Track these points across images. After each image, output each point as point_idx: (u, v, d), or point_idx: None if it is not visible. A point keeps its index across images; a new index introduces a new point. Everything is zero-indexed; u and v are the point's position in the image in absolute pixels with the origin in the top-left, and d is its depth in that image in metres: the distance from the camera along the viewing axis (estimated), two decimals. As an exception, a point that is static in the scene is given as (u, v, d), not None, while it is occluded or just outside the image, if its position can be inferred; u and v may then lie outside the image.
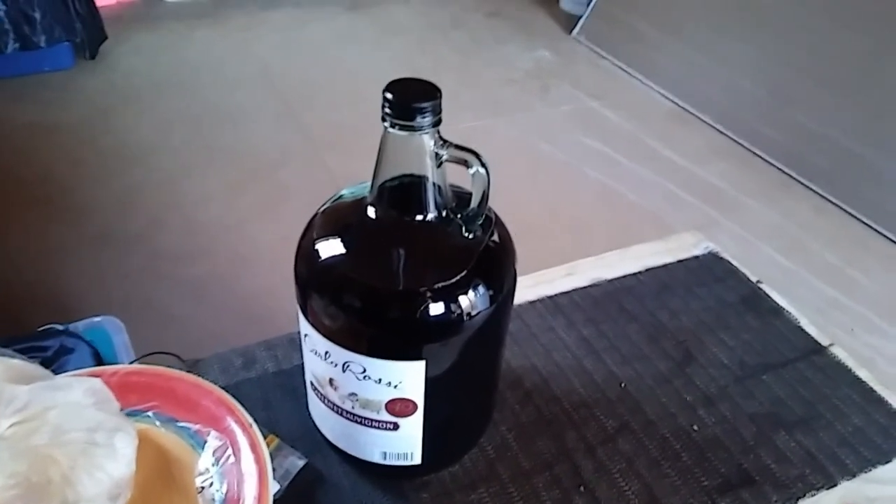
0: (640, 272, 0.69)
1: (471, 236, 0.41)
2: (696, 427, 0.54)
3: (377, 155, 0.40)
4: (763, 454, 0.52)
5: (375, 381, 0.41)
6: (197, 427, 0.49)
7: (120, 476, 0.43)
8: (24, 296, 1.39)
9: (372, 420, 0.43)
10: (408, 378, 0.41)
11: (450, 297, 0.39)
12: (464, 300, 0.40)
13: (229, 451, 0.47)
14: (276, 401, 0.54)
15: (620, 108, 2.15)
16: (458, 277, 0.40)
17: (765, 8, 2.05)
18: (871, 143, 1.77)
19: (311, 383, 0.46)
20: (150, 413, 0.50)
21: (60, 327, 0.83)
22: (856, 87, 1.83)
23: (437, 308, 0.39)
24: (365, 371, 0.41)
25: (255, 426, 0.48)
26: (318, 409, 0.47)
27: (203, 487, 0.46)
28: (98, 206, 1.68)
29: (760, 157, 1.94)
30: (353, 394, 0.42)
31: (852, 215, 1.76)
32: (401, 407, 0.42)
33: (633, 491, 0.49)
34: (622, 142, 1.99)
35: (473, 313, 0.40)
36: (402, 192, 0.40)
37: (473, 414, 0.49)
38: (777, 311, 0.65)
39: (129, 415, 0.48)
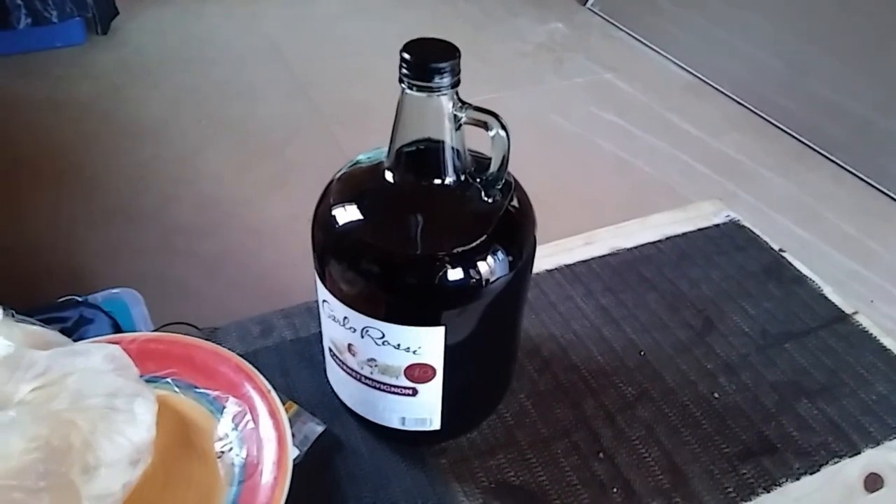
0: (659, 241, 0.68)
1: (490, 201, 0.40)
2: (716, 395, 0.54)
3: (394, 118, 0.39)
4: (785, 422, 0.52)
5: (394, 347, 0.41)
6: (216, 393, 0.49)
7: (140, 441, 0.43)
8: (39, 271, 1.40)
9: (391, 385, 0.43)
10: (426, 344, 0.40)
11: (469, 262, 0.39)
12: (483, 266, 0.39)
13: (248, 416, 0.47)
14: (295, 368, 0.54)
15: (635, 79, 2.12)
16: (477, 242, 0.39)
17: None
18: (890, 113, 1.73)
19: (330, 349, 0.46)
20: (168, 379, 0.50)
21: (80, 298, 0.83)
22: (873, 57, 1.79)
23: (455, 273, 0.38)
24: (384, 336, 0.40)
25: (273, 392, 0.48)
26: (336, 376, 0.47)
27: (223, 452, 0.46)
28: (111, 181, 1.69)
29: (778, 127, 1.91)
30: (371, 359, 0.42)
31: (871, 185, 1.73)
32: (420, 373, 0.42)
33: (652, 458, 0.49)
34: (637, 114, 1.97)
35: (492, 279, 0.40)
36: (421, 155, 0.39)
37: (492, 381, 0.49)
38: (800, 279, 0.64)
39: (148, 381, 0.48)
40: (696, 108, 2.00)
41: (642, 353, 0.57)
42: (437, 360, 0.41)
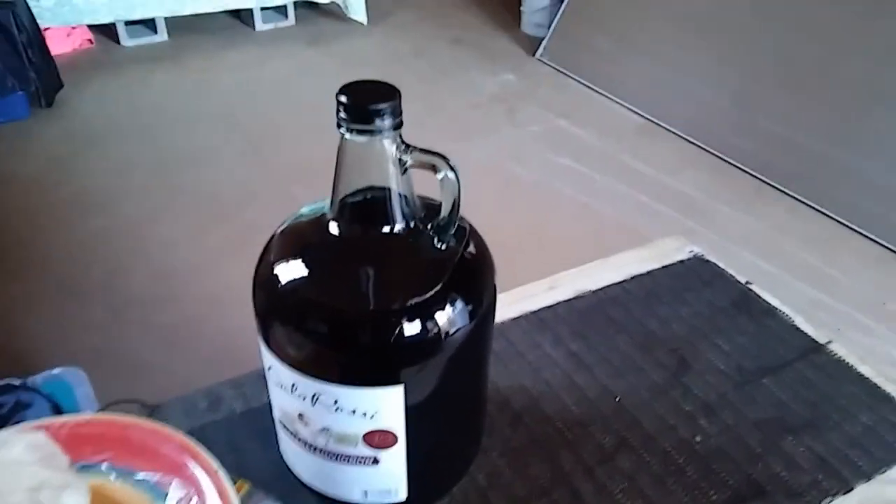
0: (624, 281, 0.66)
1: (443, 247, 0.38)
2: (698, 438, 0.51)
3: (335, 166, 0.36)
4: (772, 462, 0.49)
5: (350, 413, 0.37)
6: (158, 477, 0.44)
7: (71, 541, 0.39)
8: (-19, 354, 1.33)
9: (349, 456, 0.39)
10: (385, 407, 0.37)
11: (425, 314, 0.36)
12: (441, 317, 0.36)
13: (195, 500, 0.43)
14: (246, 443, 0.50)
15: (589, 125, 2.15)
16: (432, 293, 0.36)
17: (721, 18, 2.08)
18: (838, 143, 1.78)
19: (280, 421, 0.42)
20: (103, 466, 0.45)
21: (17, 382, 0.77)
22: (817, 90, 1.85)
23: (412, 328, 0.36)
24: (337, 402, 0.37)
25: (221, 471, 0.43)
26: (289, 448, 0.43)
27: (166, 546, 0.41)
28: (59, 256, 1.62)
29: (731, 164, 1.95)
30: (325, 428, 0.38)
31: (826, 215, 1.76)
32: (380, 439, 0.38)
33: (638, 513, 0.46)
34: (594, 158, 1.99)
35: (452, 331, 0.37)
36: (366, 204, 0.37)
37: (460, 441, 0.45)
38: (770, 311, 0.62)
39: (80, 469, 0.43)
40: (651, 149, 2.03)
41: (617, 398, 0.54)
42: (398, 423, 0.38)
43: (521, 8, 2.81)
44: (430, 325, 0.36)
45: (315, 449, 0.40)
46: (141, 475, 0.44)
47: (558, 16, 2.56)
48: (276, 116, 2.22)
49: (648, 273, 0.67)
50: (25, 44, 2.06)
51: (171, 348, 1.36)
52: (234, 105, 2.29)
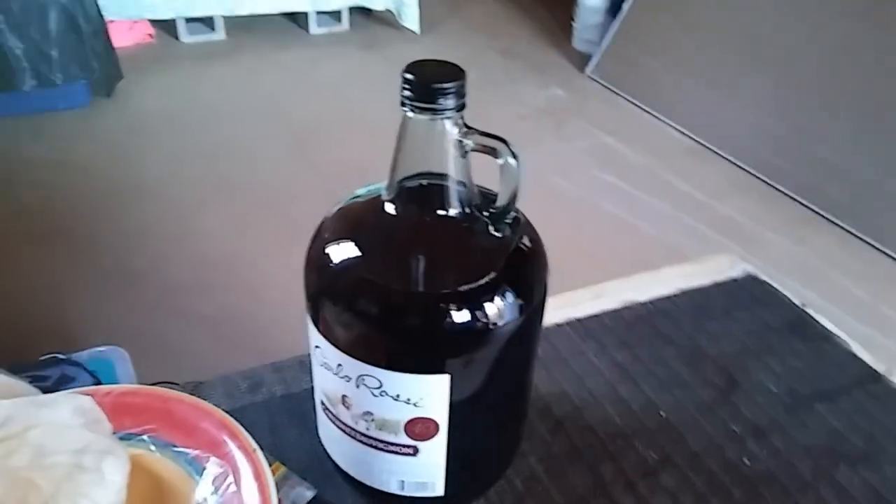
0: (673, 295, 0.64)
1: (499, 236, 0.37)
2: (746, 461, 0.49)
3: (396, 145, 0.36)
4: (823, 491, 0.47)
5: (393, 398, 0.36)
6: (196, 453, 0.44)
7: (107, 505, 0.39)
8: (30, 329, 1.36)
9: (389, 443, 0.39)
10: (429, 395, 0.36)
11: (476, 302, 0.35)
12: (491, 307, 0.35)
13: (230, 478, 0.42)
14: (284, 426, 0.49)
15: (636, 143, 2.13)
16: (485, 280, 0.36)
17: (777, 42, 2.04)
18: (894, 175, 1.73)
19: (322, 403, 0.41)
20: (145, 437, 0.45)
21: (63, 356, 0.79)
22: (873, 119, 1.79)
23: (461, 314, 0.35)
24: (381, 386, 0.36)
25: (259, 452, 0.43)
26: (329, 433, 0.42)
27: (199, 520, 0.41)
28: (108, 240, 1.66)
29: (781, 191, 1.90)
30: (368, 413, 0.38)
31: (879, 250, 1.70)
32: (421, 428, 0.38)
33: (680, 530, 0.44)
34: (639, 177, 1.96)
35: (502, 323, 0.36)
36: (423, 187, 0.36)
37: (501, 440, 0.44)
38: (826, 335, 0.60)
39: (121, 438, 0.43)
40: (698, 172, 2.00)
41: (663, 414, 0.52)
42: (440, 414, 0.37)
43: (573, 23, 2.80)
44: (479, 314, 0.35)
45: (355, 434, 0.39)
46: (180, 449, 0.45)
47: (611, 33, 2.54)
48: (325, 116, 2.25)
49: (699, 289, 0.65)
50: (90, 34, 2.12)
51: (208, 336, 1.38)
52: (285, 103, 2.32)
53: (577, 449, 0.49)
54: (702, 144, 2.12)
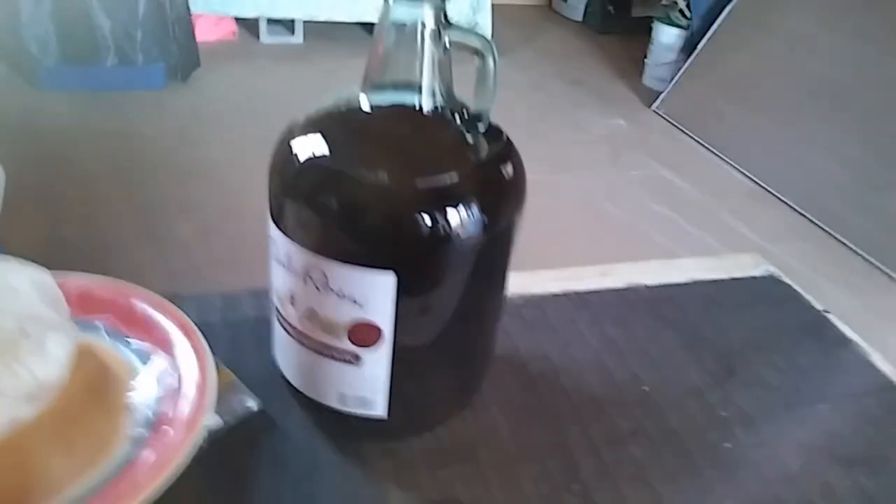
0: (685, 283, 0.60)
1: (471, 142, 0.35)
2: (727, 444, 0.45)
3: (373, 40, 0.35)
4: (808, 488, 0.42)
5: (338, 295, 0.35)
6: (147, 346, 0.44)
7: (45, 378, 0.38)
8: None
9: (332, 348, 0.37)
10: (374, 295, 0.34)
11: (431, 200, 0.33)
12: (447, 211, 0.33)
13: (175, 374, 0.41)
14: (247, 345, 0.48)
15: (694, 179, 2.07)
16: (445, 180, 0.34)
17: (849, 90, 1.96)
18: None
19: (276, 307, 0.40)
20: (100, 325, 0.45)
21: None
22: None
23: (412, 208, 0.33)
24: (327, 280, 0.35)
25: (209, 354, 0.42)
26: (279, 341, 0.41)
27: (135, 407, 0.40)
28: (161, 209, 1.72)
29: (842, 242, 1.81)
30: (312, 311, 0.36)
31: (946, 316, 1.59)
32: (364, 333, 0.36)
33: (639, 501, 0.40)
34: (692, 211, 1.90)
35: (459, 234, 0.34)
36: (400, 85, 0.35)
37: (452, 373, 0.42)
38: (844, 341, 0.55)
39: (81, 326, 0.43)
40: (757, 214, 1.92)
41: (646, 388, 0.49)
42: (385, 319, 0.35)
43: (646, 60, 2.77)
44: (432, 214, 0.33)
45: (301, 339, 0.38)
46: (132, 340, 0.44)
47: (682, 71, 2.50)
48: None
49: (713, 280, 0.61)
50: (174, 20, 2.23)
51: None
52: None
53: (545, 407, 0.46)
54: (763, 187, 2.04)
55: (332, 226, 0.34)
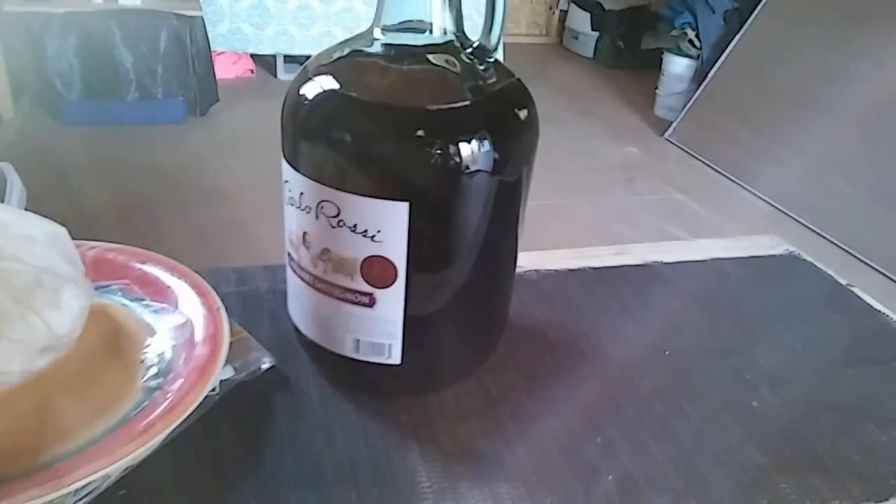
0: (703, 260, 0.59)
1: (483, 71, 0.35)
2: (755, 404, 0.43)
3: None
4: (843, 444, 0.41)
5: (350, 229, 0.34)
6: (162, 306, 0.43)
7: (59, 328, 0.38)
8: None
9: (345, 289, 0.36)
10: (386, 227, 0.34)
11: (441, 127, 0.33)
12: (458, 141, 0.33)
13: (188, 328, 0.41)
14: (260, 311, 0.48)
15: (710, 203, 2.06)
16: (455, 105, 0.34)
17: (860, 111, 1.96)
18: None
19: (288, 254, 0.40)
20: (116, 288, 0.45)
21: None
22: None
23: (421, 133, 0.33)
24: (339, 214, 0.34)
25: (223, 310, 0.42)
26: (292, 289, 0.41)
27: (149, 361, 0.39)
28: (176, 235, 1.73)
29: (863, 261, 1.78)
30: (325, 250, 0.36)
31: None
32: (378, 269, 0.35)
33: (665, 454, 0.39)
34: (709, 234, 1.89)
35: (469, 166, 0.33)
36: (408, 22, 0.35)
37: (467, 323, 0.41)
38: (870, 311, 0.54)
39: (96, 289, 0.43)
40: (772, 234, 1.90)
41: (668, 353, 0.47)
42: (399, 254, 0.35)
43: (657, 90, 2.80)
44: (444, 140, 0.33)
45: (314, 282, 0.37)
46: (147, 302, 0.44)
47: (693, 99, 2.52)
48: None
49: (732, 258, 0.60)
50: (194, 56, 2.29)
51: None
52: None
53: (564, 369, 0.45)
54: (781, 210, 2.03)
55: (344, 156, 0.34)
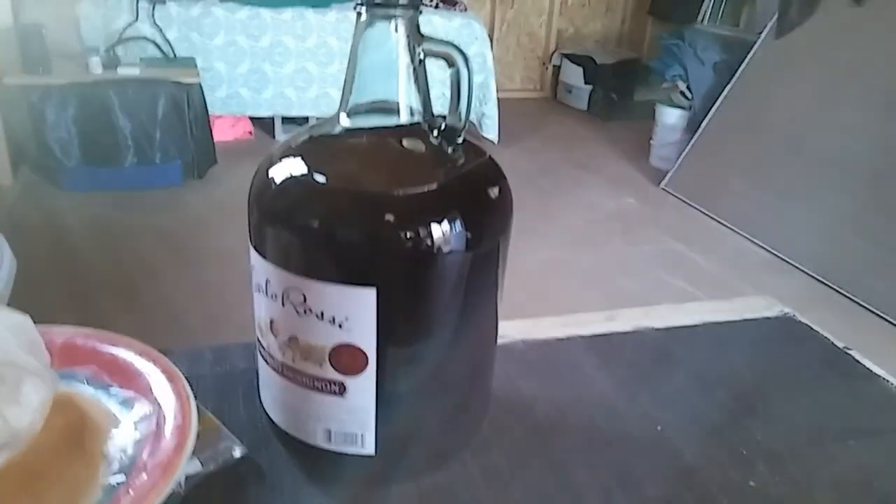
0: (694, 325, 0.58)
1: (450, 152, 0.34)
2: (752, 483, 0.41)
3: (348, 60, 0.35)
4: (848, 526, 0.38)
5: (317, 316, 0.33)
6: (130, 394, 0.42)
7: (16, 424, 0.36)
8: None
9: (315, 378, 0.35)
10: (355, 314, 0.33)
11: (408, 209, 0.32)
12: (427, 221, 0.32)
13: (154, 419, 0.39)
14: (234, 395, 0.46)
15: (709, 252, 2.05)
16: (422, 189, 0.33)
17: (855, 157, 1.96)
18: None
19: (258, 340, 0.38)
20: (83, 375, 0.43)
21: None
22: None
23: (387, 216, 0.32)
24: (305, 301, 0.33)
25: (192, 399, 0.40)
26: (263, 376, 0.39)
27: (112, 456, 0.38)
28: (173, 299, 1.72)
29: (866, 308, 1.75)
30: (293, 338, 0.35)
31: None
32: (348, 357, 0.34)
33: (658, 544, 0.37)
34: (709, 284, 1.87)
35: (440, 246, 0.32)
36: (377, 102, 0.35)
37: (445, 404, 0.39)
38: (869, 376, 0.52)
39: (62, 377, 0.42)
40: (775, 283, 1.89)
41: (659, 428, 0.45)
42: (367, 340, 0.33)
43: (651, 141, 2.82)
44: (411, 223, 0.32)
45: (283, 370, 0.36)
46: (115, 390, 0.42)
47: (687, 149, 2.54)
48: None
49: (725, 322, 0.58)
50: (192, 120, 2.32)
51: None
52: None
53: (551, 448, 0.43)
54: (780, 257, 2.02)
55: (309, 242, 0.33)
